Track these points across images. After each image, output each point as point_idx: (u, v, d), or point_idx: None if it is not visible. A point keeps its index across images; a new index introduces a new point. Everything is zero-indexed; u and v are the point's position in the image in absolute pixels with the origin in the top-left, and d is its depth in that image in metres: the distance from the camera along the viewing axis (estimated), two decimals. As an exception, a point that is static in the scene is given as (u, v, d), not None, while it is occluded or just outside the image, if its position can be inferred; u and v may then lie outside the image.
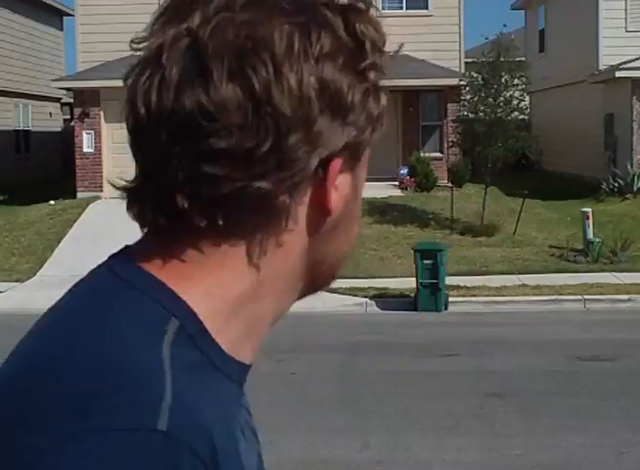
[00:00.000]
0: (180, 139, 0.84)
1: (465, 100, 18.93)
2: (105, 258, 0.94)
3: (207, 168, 0.83)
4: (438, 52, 24.54)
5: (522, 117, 19.16)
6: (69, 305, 0.87)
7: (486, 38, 19.16)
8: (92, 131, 21.35)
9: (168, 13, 0.88)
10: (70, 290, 0.90)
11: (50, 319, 0.87)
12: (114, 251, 0.96)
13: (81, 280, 0.91)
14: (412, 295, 13.73)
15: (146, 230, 0.95)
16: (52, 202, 21.44)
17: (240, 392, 0.89)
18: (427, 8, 25.08)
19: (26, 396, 0.77)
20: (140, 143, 0.94)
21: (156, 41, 0.90)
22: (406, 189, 22.16)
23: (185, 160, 0.84)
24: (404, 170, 22.81)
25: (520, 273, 15.58)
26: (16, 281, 16.18)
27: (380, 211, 19.71)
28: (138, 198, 0.93)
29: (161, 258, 0.88)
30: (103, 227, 19.04)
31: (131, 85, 0.91)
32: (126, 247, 0.97)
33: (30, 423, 0.75)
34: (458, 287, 14.47)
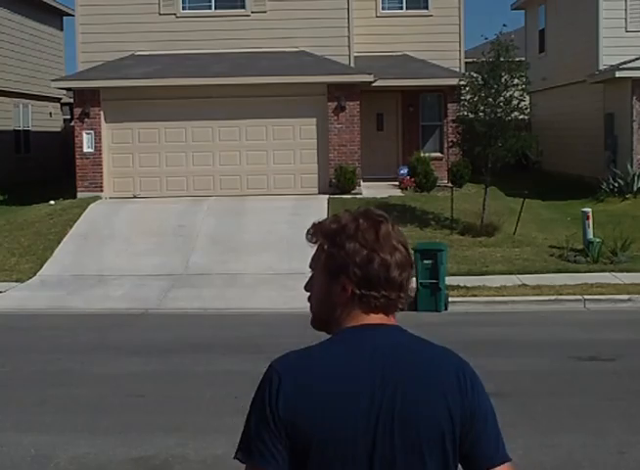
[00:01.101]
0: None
1: (465, 100, 18.92)
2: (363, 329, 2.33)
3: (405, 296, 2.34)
4: (438, 52, 24.53)
5: (522, 116, 19.16)
6: (402, 340, 2.28)
7: (486, 38, 19.16)
8: (92, 131, 21.34)
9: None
10: (363, 339, 2.25)
11: (403, 346, 2.26)
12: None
13: (365, 335, 2.26)
14: (412, 295, 13.72)
15: (380, 314, 2.30)
16: (52, 202, 21.44)
17: None
18: (427, 8, 25.07)
19: (437, 358, 2.26)
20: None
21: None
22: (406, 189, 22.16)
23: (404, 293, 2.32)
24: (404, 170, 22.81)
25: (520, 273, 15.58)
26: (16, 281, 16.18)
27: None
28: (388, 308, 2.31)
29: (395, 323, 2.30)
30: (103, 227, 19.04)
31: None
32: (379, 323, 2.29)
33: (449, 357, 2.29)
34: (458, 287, 14.47)
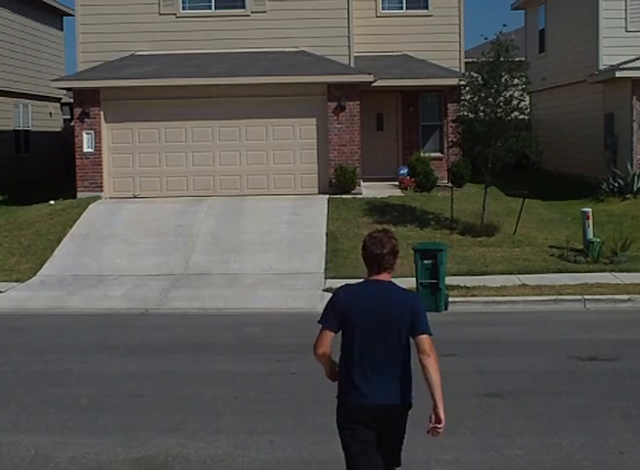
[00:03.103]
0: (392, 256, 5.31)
1: (465, 100, 18.90)
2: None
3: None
4: (438, 52, 24.53)
5: (522, 116, 19.14)
6: (380, 288, 5.16)
7: (486, 38, 19.12)
8: (92, 131, 21.33)
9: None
10: (370, 285, 5.20)
11: (375, 291, 5.15)
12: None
13: (371, 284, 5.20)
14: (412, 295, 13.70)
15: (377, 271, 5.21)
16: (52, 202, 21.44)
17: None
18: (427, 8, 25.06)
19: (402, 296, 5.19)
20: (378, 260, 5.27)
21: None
22: (406, 189, 22.15)
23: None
24: (404, 170, 22.81)
25: (520, 273, 15.58)
26: (16, 281, 16.18)
27: (380, 210, 19.71)
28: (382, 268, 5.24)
29: (389, 278, 5.21)
30: (103, 227, 19.04)
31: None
32: (377, 279, 5.19)
33: (407, 296, 5.23)
34: (458, 287, 14.47)
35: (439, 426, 5.01)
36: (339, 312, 5.10)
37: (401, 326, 5.03)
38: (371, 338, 5.05)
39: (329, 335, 5.12)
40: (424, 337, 5.04)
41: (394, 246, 5.23)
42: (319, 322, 5.15)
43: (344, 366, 5.16)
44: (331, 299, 5.20)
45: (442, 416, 4.98)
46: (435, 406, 4.98)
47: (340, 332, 5.16)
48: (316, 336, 5.15)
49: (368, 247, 5.18)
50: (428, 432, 5.04)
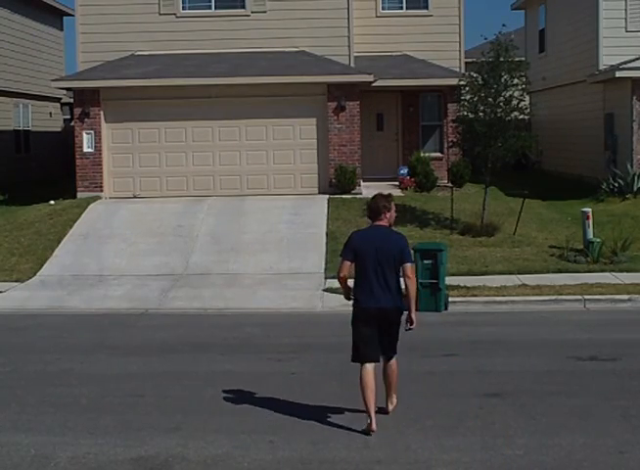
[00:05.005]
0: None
1: (465, 100, 18.90)
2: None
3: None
4: (438, 52, 24.53)
5: (522, 116, 19.14)
6: (380, 230, 7.86)
7: (486, 38, 19.13)
8: (92, 131, 21.33)
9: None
10: (373, 229, 7.92)
11: (376, 232, 7.86)
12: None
13: (374, 228, 7.92)
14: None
15: (377, 219, 7.92)
16: (52, 202, 21.44)
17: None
18: (427, 8, 25.06)
19: (394, 236, 7.91)
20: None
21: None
22: (406, 189, 22.15)
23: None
24: (404, 170, 22.81)
25: (520, 273, 15.58)
26: (16, 281, 16.18)
27: (380, 210, 19.67)
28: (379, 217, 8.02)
29: (386, 224, 7.92)
30: (103, 227, 19.04)
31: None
32: (378, 225, 7.91)
33: (398, 237, 7.95)
34: (458, 287, 14.47)
35: (413, 326, 7.75)
36: (353, 248, 7.71)
37: (394, 256, 7.65)
38: (374, 263, 7.61)
39: (347, 264, 7.70)
40: (407, 265, 7.69)
41: (388, 201, 7.89)
42: (340, 256, 7.84)
43: (357, 283, 7.73)
44: (348, 239, 7.85)
45: (414, 318, 7.72)
46: (410, 311, 7.68)
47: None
48: (339, 266, 7.82)
49: (372, 203, 7.85)
50: (406, 330, 7.76)
